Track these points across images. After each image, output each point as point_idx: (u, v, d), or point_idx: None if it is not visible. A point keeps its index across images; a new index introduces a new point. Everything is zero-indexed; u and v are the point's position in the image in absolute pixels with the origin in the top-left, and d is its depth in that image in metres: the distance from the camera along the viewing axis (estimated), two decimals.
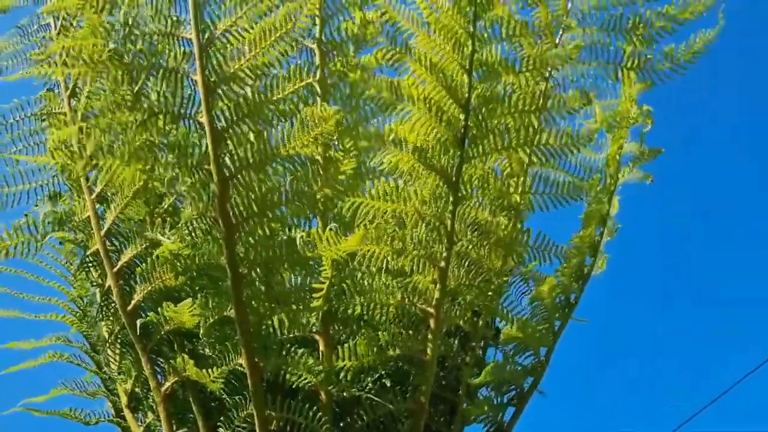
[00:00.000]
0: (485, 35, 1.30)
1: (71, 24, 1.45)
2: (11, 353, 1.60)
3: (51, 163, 1.34)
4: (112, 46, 1.22)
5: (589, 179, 1.42)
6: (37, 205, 1.43)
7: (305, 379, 1.27)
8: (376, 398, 1.34)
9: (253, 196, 1.23)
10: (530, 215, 1.48)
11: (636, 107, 1.47)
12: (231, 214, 1.23)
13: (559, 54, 1.34)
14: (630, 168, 1.50)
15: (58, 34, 1.45)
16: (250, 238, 1.25)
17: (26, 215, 1.40)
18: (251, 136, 1.23)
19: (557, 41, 1.43)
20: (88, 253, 1.42)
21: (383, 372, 1.41)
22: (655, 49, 1.41)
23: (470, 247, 1.39)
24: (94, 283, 1.46)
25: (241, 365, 1.26)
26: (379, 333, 1.32)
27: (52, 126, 1.33)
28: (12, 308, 1.63)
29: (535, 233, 1.44)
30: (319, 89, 1.30)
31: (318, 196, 1.24)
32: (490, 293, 1.41)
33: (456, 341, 1.46)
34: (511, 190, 1.38)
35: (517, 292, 1.53)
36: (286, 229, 1.29)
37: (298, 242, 1.22)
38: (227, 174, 1.23)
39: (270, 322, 1.29)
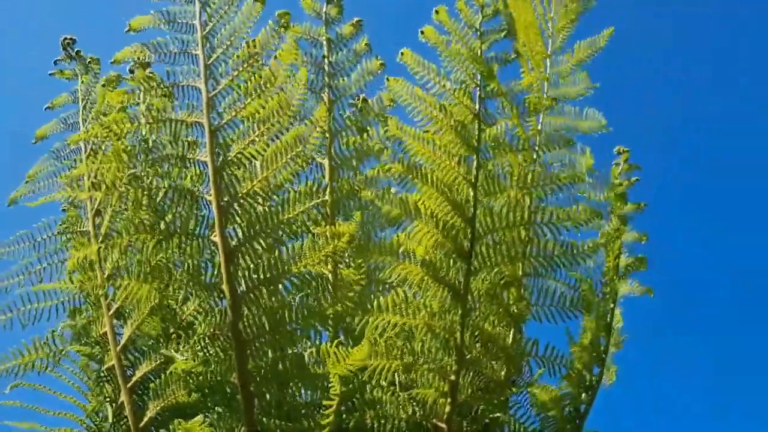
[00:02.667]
0: (489, 150, 1.35)
1: (99, 148, 1.53)
2: None
3: (70, 287, 1.38)
4: (132, 170, 1.29)
5: (581, 286, 1.43)
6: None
7: None
8: None
9: (264, 314, 1.26)
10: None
11: (626, 224, 1.52)
12: (242, 331, 1.26)
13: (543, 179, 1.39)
14: (623, 278, 1.52)
15: (87, 157, 1.53)
16: (261, 355, 1.26)
17: (53, 332, 1.45)
18: (263, 255, 1.27)
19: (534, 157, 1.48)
20: (104, 368, 1.44)
21: None
22: None
23: (480, 358, 1.39)
24: (108, 398, 1.47)
25: None
26: None
27: (74, 246, 1.38)
28: (28, 421, 1.64)
29: (544, 344, 1.44)
30: (328, 208, 1.35)
31: (328, 312, 1.26)
32: (497, 404, 1.39)
33: None
34: (511, 300, 1.39)
35: (527, 404, 1.52)
36: (297, 344, 1.31)
37: (307, 359, 1.23)
38: (239, 292, 1.26)
39: None
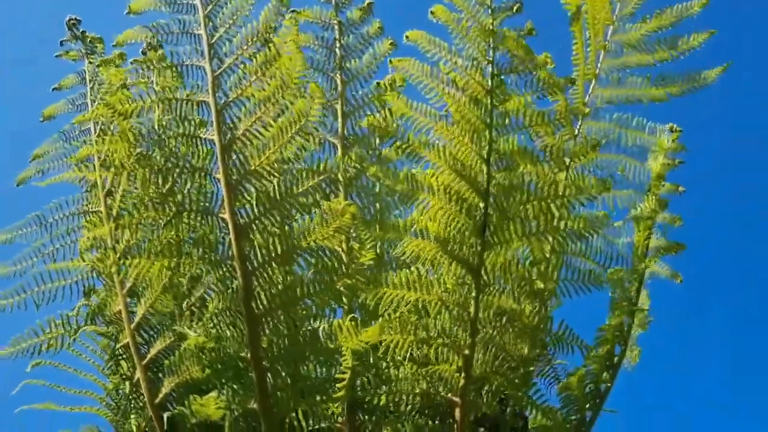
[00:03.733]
0: (504, 122, 1.33)
1: (109, 128, 1.53)
2: None
3: (83, 265, 1.39)
4: (139, 149, 1.29)
5: (611, 269, 1.41)
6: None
7: None
8: None
9: (275, 289, 1.26)
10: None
11: (661, 198, 1.48)
12: (254, 307, 1.26)
13: (580, 149, 1.36)
14: (655, 258, 1.49)
15: (98, 137, 1.53)
16: (274, 331, 1.26)
17: (67, 313, 1.46)
18: (273, 231, 1.26)
19: (576, 131, 1.45)
20: (118, 346, 1.45)
21: None
22: None
23: (495, 334, 1.38)
24: (124, 376, 1.48)
25: None
26: (405, 423, 1.31)
27: (86, 225, 1.38)
28: (48, 401, 1.65)
29: (558, 321, 1.43)
30: (340, 180, 1.33)
31: (340, 287, 1.25)
32: (516, 381, 1.38)
33: (484, 430, 1.44)
34: (534, 277, 1.38)
35: (545, 382, 1.51)
36: (310, 321, 1.31)
37: (320, 334, 1.23)
38: (250, 268, 1.26)
39: (294, 414, 1.28)
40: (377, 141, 1.44)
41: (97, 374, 1.70)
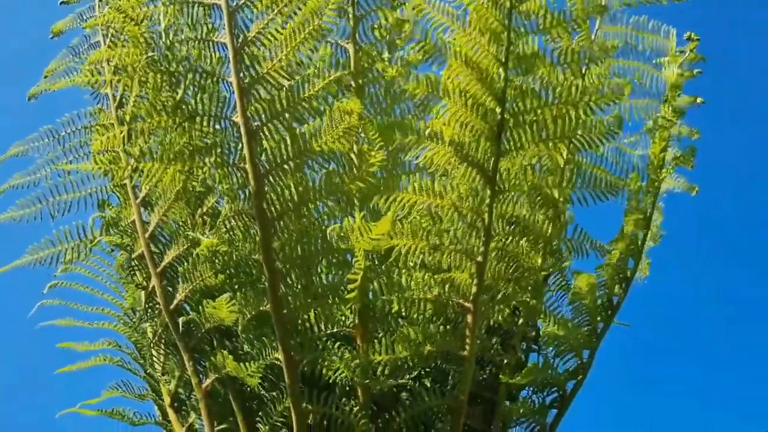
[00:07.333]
0: (521, 28, 1.30)
1: (119, 39, 1.52)
2: (61, 356, 1.66)
3: (95, 170, 1.39)
4: (150, 53, 1.28)
5: (628, 177, 1.40)
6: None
7: (341, 372, 1.27)
8: (415, 393, 1.33)
9: (287, 192, 1.26)
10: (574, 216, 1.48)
11: (680, 106, 1.45)
12: (267, 210, 1.26)
13: (598, 50, 1.34)
14: (671, 168, 1.47)
15: (109, 45, 1.51)
16: (286, 234, 1.27)
17: (92, 220, 1.47)
18: (285, 134, 1.26)
19: (592, 36, 1.42)
20: (133, 256, 1.47)
21: (423, 371, 1.40)
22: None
23: (508, 242, 1.37)
24: (140, 286, 1.50)
25: (278, 360, 1.27)
26: (416, 328, 1.31)
27: (97, 129, 1.38)
28: (66, 317, 1.68)
29: (572, 228, 1.42)
30: (352, 81, 1.32)
31: (353, 189, 1.25)
32: (529, 289, 1.38)
33: (496, 340, 1.44)
34: (548, 185, 1.36)
35: (558, 294, 1.51)
36: (323, 227, 1.31)
37: (331, 235, 1.23)
38: (262, 171, 1.26)
39: (306, 317, 1.29)
40: (394, 43, 1.41)
41: (114, 294, 1.73)
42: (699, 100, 1.48)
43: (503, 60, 1.28)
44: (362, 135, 1.25)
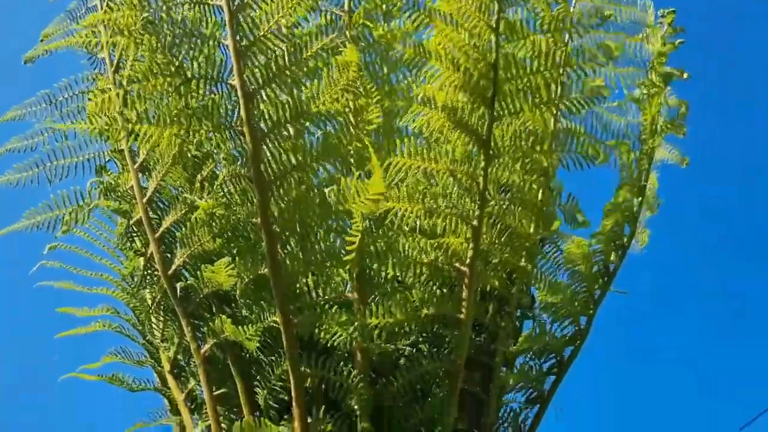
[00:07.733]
0: None
1: (115, 3, 1.51)
2: (61, 321, 1.66)
3: (91, 131, 1.39)
4: (146, 15, 1.27)
5: (619, 143, 1.40)
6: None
7: (339, 335, 1.28)
8: (412, 359, 1.34)
9: (285, 155, 1.26)
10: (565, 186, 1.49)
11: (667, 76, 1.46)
12: (264, 173, 1.26)
13: (580, 20, 1.34)
14: (662, 132, 1.47)
15: (104, 14, 1.51)
16: (284, 197, 1.27)
17: (90, 185, 1.47)
18: (282, 96, 1.26)
19: (570, 8, 1.42)
20: (131, 222, 1.47)
21: (420, 337, 1.41)
22: None
23: (502, 208, 1.38)
24: (138, 252, 1.50)
25: (275, 323, 1.28)
26: (413, 291, 1.32)
27: (94, 92, 1.38)
28: (66, 280, 1.69)
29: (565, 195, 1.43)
30: (348, 38, 1.32)
31: (350, 150, 1.25)
32: (523, 253, 1.39)
33: (492, 306, 1.45)
34: (539, 149, 1.37)
35: (553, 263, 1.52)
36: (321, 189, 1.31)
37: (329, 196, 1.23)
38: (259, 133, 1.26)
39: (304, 281, 1.30)
40: (390, 13, 1.41)
41: (113, 259, 1.74)
42: (685, 75, 1.49)
43: (494, 26, 1.28)
44: (360, 90, 1.24)
